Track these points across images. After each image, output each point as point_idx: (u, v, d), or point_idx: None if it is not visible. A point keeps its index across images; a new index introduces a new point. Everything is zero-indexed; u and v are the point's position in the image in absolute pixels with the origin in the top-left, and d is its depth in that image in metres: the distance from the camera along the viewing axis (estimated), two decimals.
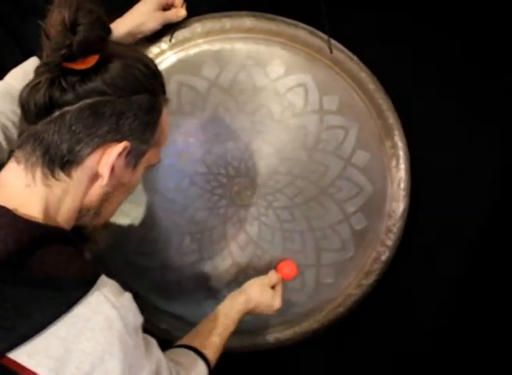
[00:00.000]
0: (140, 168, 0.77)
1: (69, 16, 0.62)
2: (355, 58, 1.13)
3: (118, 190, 0.75)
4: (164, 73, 1.07)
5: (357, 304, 1.22)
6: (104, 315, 0.64)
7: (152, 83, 0.73)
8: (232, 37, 1.10)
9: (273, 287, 1.07)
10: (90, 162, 0.69)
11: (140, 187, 1.11)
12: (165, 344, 0.85)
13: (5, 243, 0.61)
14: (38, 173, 0.68)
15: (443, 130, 1.22)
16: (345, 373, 1.37)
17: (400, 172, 1.18)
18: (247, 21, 1.11)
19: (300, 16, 1.11)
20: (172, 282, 1.16)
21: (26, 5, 1.10)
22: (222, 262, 1.16)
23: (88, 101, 0.66)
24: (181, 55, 1.09)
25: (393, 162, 1.17)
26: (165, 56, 1.09)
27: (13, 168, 0.70)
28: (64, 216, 0.71)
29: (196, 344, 0.93)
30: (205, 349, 0.93)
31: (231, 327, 0.98)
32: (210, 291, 1.17)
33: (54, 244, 0.66)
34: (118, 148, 0.69)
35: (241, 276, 1.16)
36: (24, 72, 0.92)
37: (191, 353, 0.91)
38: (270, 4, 1.13)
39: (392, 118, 1.16)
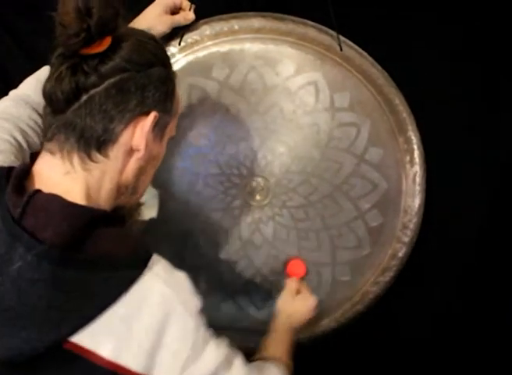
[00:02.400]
0: (165, 140, 0.80)
1: (82, 1, 0.64)
2: (365, 54, 1.13)
3: (150, 163, 0.77)
4: None
5: (375, 301, 1.21)
6: (159, 292, 0.66)
7: (163, 55, 0.76)
8: (241, 38, 1.11)
9: (298, 292, 1.09)
10: (124, 139, 0.71)
11: (154, 190, 1.12)
12: None
13: (60, 228, 0.63)
14: (76, 158, 0.70)
15: (456, 123, 1.21)
16: (360, 371, 1.36)
17: (414, 167, 1.16)
18: (256, 22, 1.11)
19: (308, 14, 1.11)
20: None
21: (24, 4, 1.11)
22: (238, 263, 1.16)
23: (112, 80, 0.68)
24: (191, 57, 1.10)
25: (407, 158, 1.16)
26: (174, 59, 1.09)
27: (48, 159, 0.71)
28: (105, 197, 0.73)
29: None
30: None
31: (290, 349, 1.02)
32: (227, 292, 1.17)
33: (103, 226, 0.67)
34: (150, 118, 0.72)
35: (257, 276, 1.16)
36: (38, 81, 0.93)
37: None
38: (278, 4, 1.13)
39: (404, 112, 1.15)
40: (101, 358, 0.63)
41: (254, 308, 1.18)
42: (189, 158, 1.11)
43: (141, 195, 0.82)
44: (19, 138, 0.86)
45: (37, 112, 0.91)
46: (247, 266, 1.16)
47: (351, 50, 1.13)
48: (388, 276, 1.20)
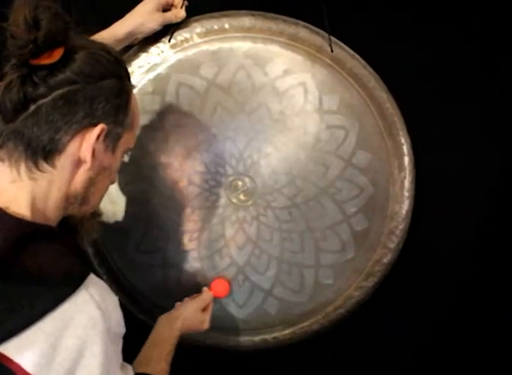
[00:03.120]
0: (119, 152, 0.80)
1: (29, 13, 0.65)
2: (357, 55, 1.12)
3: (101, 174, 0.78)
4: (163, 73, 1.12)
5: (358, 306, 1.20)
6: (88, 314, 0.66)
7: (117, 68, 0.76)
8: (231, 37, 1.10)
9: (204, 308, 1.09)
10: (71, 149, 0.72)
11: (139, 186, 1.13)
12: None
13: None
14: (22, 167, 0.71)
15: (446, 128, 1.19)
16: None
17: (402, 172, 1.15)
18: (247, 20, 1.11)
19: (300, 15, 1.10)
20: (173, 280, 1.17)
21: None
22: (221, 262, 1.16)
23: (60, 91, 0.69)
24: (180, 55, 1.10)
25: (396, 163, 1.15)
26: (164, 56, 1.10)
27: None
28: (52, 206, 0.73)
29: (150, 371, 0.93)
30: None
31: (172, 352, 1.00)
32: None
33: (43, 241, 0.68)
34: (96, 131, 0.72)
35: (239, 275, 1.16)
36: None
37: None
38: (270, 3, 1.12)
39: (395, 116, 1.13)
40: (24, 371, 0.62)
41: (235, 306, 1.18)
42: (174, 155, 1.12)
43: (93, 206, 0.82)
44: None
45: None
46: (230, 265, 1.16)
47: (343, 52, 1.11)
48: (372, 282, 1.19)
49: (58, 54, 0.68)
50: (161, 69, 1.10)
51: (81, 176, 0.75)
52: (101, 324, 0.66)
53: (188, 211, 1.14)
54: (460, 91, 1.19)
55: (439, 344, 1.31)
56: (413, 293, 1.27)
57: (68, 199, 0.75)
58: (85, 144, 0.72)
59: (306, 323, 1.21)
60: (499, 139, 1.18)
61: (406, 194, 1.16)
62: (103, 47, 0.76)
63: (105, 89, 0.73)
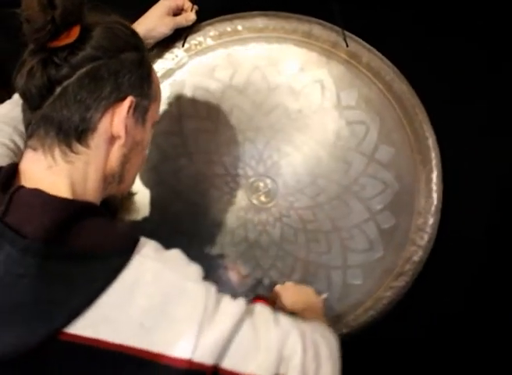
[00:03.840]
0: (148, 125, 0.79)
1: None
2: (373, 49, 1.10)
3: (134, 150, 0.77)
4: (179, 78, 1.12)
5: (390, 307, 1.16)
6: (150, 270, 0.64)
7: (134, 39, 0.76)
8: (245, 38, 1.10)
9: None
10: (103, 126, 0.71)
11: (160, 191, 1.12)
12: None
13: (42, 221, 0.63)
14: (57, 152, 0.70)
15: (470, 119, 1.15)
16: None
17: (428, 166, 1.11)
18: (259, 21, 1.10)
19: (312, 12, 1.09)
20: None
21: None
22: (245, 265, 1.14)
23: (84, 69, 0.68)
24: (194, 58, 1.10)
25: (420, 156, 1.11)
26: (178, 61, 1.10)
27: (30, 156, 0.72)
28: (91, 188, 0.73)
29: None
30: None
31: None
32: (235, 295, 1.16)
33: (88, 217, 0.67)
34: (126, 104, 0.72)
35: (265, 278, 1.14)
36: (13, 101, 0.96)
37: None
38: (280, 2, 1.12)
39: (416, 108, 1.10)
40: (105, 343, 0.62)
41: None
42: (193, 159, 1.11)
43: (130, 184, 0.82)
44: (19, 142, 0.88)
45: None
46: (255, 268, 1.14)
47: (358, 46, 1.10)
48: (403, 281, 1.14)
49: (75, 32, 0.67)
50: (176, 74, 1.11)
51: (116, 153, 0.74)
52: (167, 273, 0.64)
53: (209, 215, 1.13)
54: (486, 85, 1.15)
55: (474, 343, 1.26)
56: (444, 291, 1.22)
57: (106, 179, 0.75)
58: (116, 119, 0.72)
59: (335, 327, 1.17)
60: None
61: (434, 188, 1.12)
62: (117, 20, 0.75)
63: (127, 62, 0.72)
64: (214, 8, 1.11)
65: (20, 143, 0.88)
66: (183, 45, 1.09)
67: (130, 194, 0.85)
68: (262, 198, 1.12)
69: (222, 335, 0.63)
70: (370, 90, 1.09)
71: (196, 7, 1.08)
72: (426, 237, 1.13)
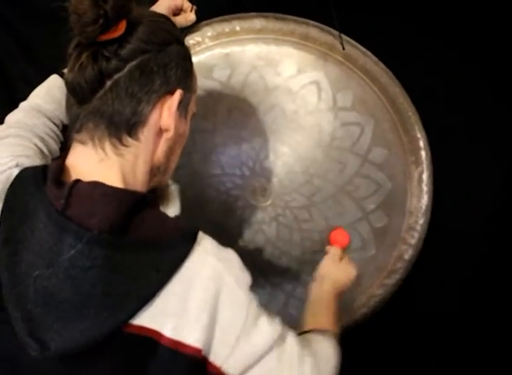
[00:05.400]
0: (189, 117, 0.79)
1: None
2: (368, 52, 1.12)
3: (178, 142, 0.77)
4: None
5: (381, 304, 1.19)
6: (210, 266, 0.64)
7: (177, 33, 0.76)
8: (243, 39, 1.11)
9: (340, 260, 1.06)
10: (153, 119, 0.71)
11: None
12: None
13: (106, 213, 0.63)
14: (107, 145, 0.70)
15: (462, 122, 1.19)
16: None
17: (420, 167, 1.14)
18: (257, 22, 1.11)
19: (309, 15, 1.10)
20: None
21: (31, 10, 1.13)
22: None
23: (134, 62, 0.68)
24: (192, 58, 1.10)
25: (412, 157, 1.14)
26: None
27: (80, 150, 0.71)
28: (140, 180, 0.73)
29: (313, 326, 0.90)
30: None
31: (335, 310, 0.97)
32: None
33: (145, 208, 0.67)
34: (176, 97, 0.72)
35: (260, 277, 1.16)
36: (47, 88, 0.95)
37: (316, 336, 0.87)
38: (278, 4, 1.13)
39: (409, 111, 1.13)
40: (165, 338, 0.62)
41: None
42: (191, 158, 1.12)
43: (170, 174, 0.82)
44: (40, 145, 0.86)
45: (50, 119, 0.91)
46: (249, 267, 1.15)
47: (354, 49, 1.12)
48: (394, 279, 1.18)
49: (123, 25, 0.67)
50: None
51: (163, 145, 0.74)
52: (225, 274, 0.65)
53: (206, 214, 1.14)
54: (477, 87, 1.19)
55: (464, 340, 1.30)
56: (435, 290, 1.26)
57: (152, 171, 0.75)
58: (166, 112, 0.71)
59: None
60: None
61: (424, 188, 1.15)
62: (159, 14, 0.76)
63: (174, 54, 0.72)
64: (212, 9, 1.11)
65: (42, 146, 0.85)
66: None
67: (167, 185, 0.86)
68: (258, 198, 1.14)
69: (253, 354, 0.65)
70: (365, 92, 1.12)
71: (195, 7, 1.08)
72: (417, 235, 1.17)
